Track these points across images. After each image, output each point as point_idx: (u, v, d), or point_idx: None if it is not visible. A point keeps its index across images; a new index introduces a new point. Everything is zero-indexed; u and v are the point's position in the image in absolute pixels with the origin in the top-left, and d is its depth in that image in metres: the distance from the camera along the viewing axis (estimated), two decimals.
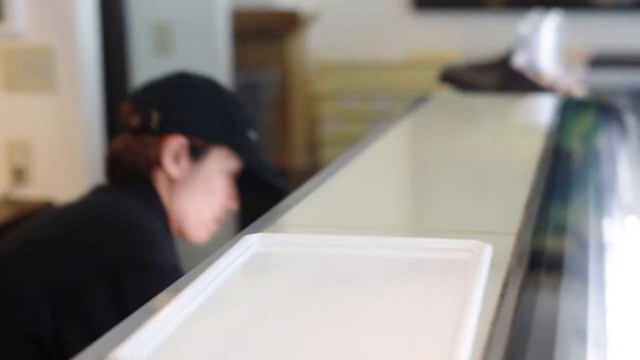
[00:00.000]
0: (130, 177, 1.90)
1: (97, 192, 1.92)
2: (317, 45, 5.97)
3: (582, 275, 1.41)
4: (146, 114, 1.89)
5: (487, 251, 1.07)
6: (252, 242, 1.13)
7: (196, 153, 1.89)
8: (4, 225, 3.11)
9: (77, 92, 3.23)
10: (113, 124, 3.69)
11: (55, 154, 3.26)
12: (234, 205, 1.98)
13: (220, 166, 1.92)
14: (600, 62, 4.61)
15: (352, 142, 2.31)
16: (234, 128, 1.94)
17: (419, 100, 2.71)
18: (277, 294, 0.99)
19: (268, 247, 1.13)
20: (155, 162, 1.88)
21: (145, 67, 4.43)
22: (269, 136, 5.64)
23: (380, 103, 5.63)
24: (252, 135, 1.98)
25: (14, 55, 3.23)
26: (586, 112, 2.84)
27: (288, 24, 5.68)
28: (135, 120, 1.90)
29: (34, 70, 3.21)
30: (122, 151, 1.90)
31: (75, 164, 3.26)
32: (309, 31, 5.94)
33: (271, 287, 1.01)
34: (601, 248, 1.63)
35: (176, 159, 1.88)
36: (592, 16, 5.49)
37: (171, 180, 1.89)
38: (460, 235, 1.16)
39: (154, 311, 0.89)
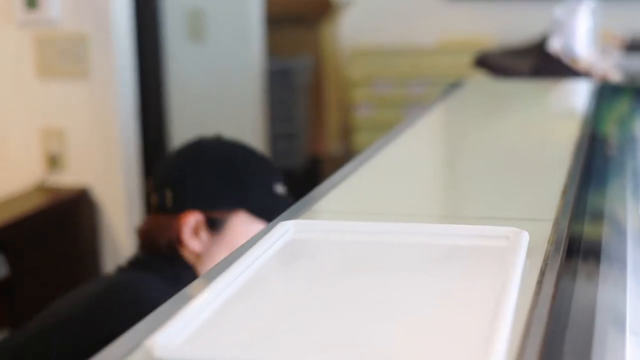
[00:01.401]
0: (161, 250, 1.89)
1: (128, 267, 1.90)
2: (350, 31, 5.96)
3: (620, 262, 1.39)
4: (161, 193, 1.90)
5: (524, 238, 1.06)
6: (287, 229, 1.13)
7: (215, 224, 1.86)
8: (39, 212, 3.13)
9: (111, 78, 3.23)
10: (146, 110, 3.70)
11: (89, 141, 3.27)
12: None
13: (244, 230, 1.87)
14: (635, 46, 4.56)
15: (386, 128, 2.29)
16: (252, 190, 1.90)
17: (453, 85, 2.69)
18: (313, 280, 0.98)
19: (303, 234, 1.13)
20: (176, 241, 1.87)
21: (179, 54, 4.43)
22: (302, 122, 5.63)
23: (414, 88, 5.61)
24: (280, 188, 1.94)
25: (48, 42, 3.24)
26: (622, 98, 2.81)
27: (322, 10, 5.67)
28: (154, 200, 1.92)
29: (69, 57, 3.22)
30: (148, 231, 1.90)
31: (109, 151, 3.27)
32: (343, 17, 5.93)
33: (306, 274, 1.01)
34: (639, 234, 1.62)
35: (196, 233, 1.86)
36: (628, 0, 5.44)
37: (197, 254, 1.88)
38: (496, 222, 1.15)
39: (189, 298, 0.89)
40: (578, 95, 2.66)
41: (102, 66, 3.22)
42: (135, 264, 1.89)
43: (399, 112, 5.56)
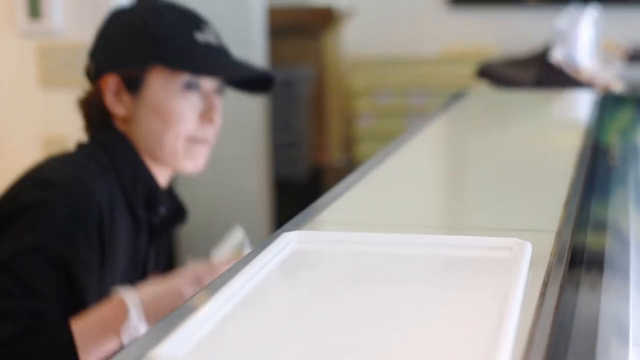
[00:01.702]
0: (95, 124, 1.90)
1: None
2: (352, 41, 5.96)
3: (623, 273, 1.39)
4: (87, 64, 1.92)
5: (527, 249, 1.06)
6: (290, 240, 1.13)
7: (132, 84, 1.84)
8: None
9: None
10: None
11: None
12: (211, 119, 1.90)
13: (163, 85, 1.84)
14: (637, 56, 4.57)
15: (388, 138, 2.29)
16: (163, 42, 1.84)
17: (455, 95, 2.70)
18: (315, 292, 0.98)
19: (306, 245, 1.13)
20: (103, 108, 1.87)
21: None
22: (304, 132, 5.64)
23: (416, 99, 5.62)
24: (200, 36, 1.88)
25: (50, 52, 3.24)
26: (624, 108, 2.82)
27: (323, 20, 5.67)
28: (86, 72, 1.93)
29: (71, 68, 3.23)
30: (83, 106, 1.92)
31: None
32: (345, 27, 5.93)
33: (309, 285, 1.01)
34: None
35: (117, 97, 1.85)
36: (629, 10, 5.44)
37: (124, 120, 1.87)
38: (499, 233, 1.15)
39: (192, 309, 0.89)
40: (580, 105, 2.67)
41: None
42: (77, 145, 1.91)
43: (401, 122, 5.56)
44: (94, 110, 1.88)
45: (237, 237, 1.90)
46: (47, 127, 3.31)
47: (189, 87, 1.85)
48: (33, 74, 3.28)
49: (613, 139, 2.35)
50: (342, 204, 1.39)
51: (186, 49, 1.85)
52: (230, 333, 0.86)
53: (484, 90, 3.00)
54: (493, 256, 1.07)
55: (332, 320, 0.90)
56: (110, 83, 1.84)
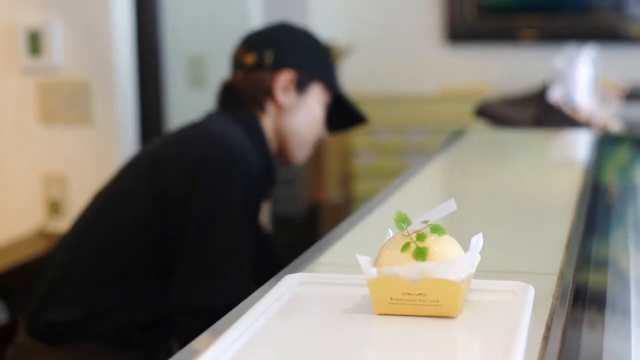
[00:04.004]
0: (237, 105, 2.22)
1: (206, 117, 2.24)
2: (350, 78, 5.98)
3: (625, 314, 1.39)
4: (261, 53, 2.22)
5: (530, 292, 1.06)
6: (292, 282, 1.13)
7: (302, 85, 2.21)
8: (39, 258, 3.12)
9: (113, 125, 3.24)
10: None
11: (91, 187, 3.26)
12: (325, 133, 2.32)
13: (318, 98, 2.24)
14: (635, 95, 4.58)
15: (386, 175, 2.32)
16: (329, 67, 2.30)
17: (455, 134, 2.70)
18: (317, 333, 0.98)
19: (308, 287, 1.13)
20: (268, 93, 2.20)
21: (180, 100, 4.45)
22: (302, 168, 5.64)
23: (415, 136, 5.62)
24: (338, 75, 2.34)
25: (51, 88, 3.25)
26: (622, 147, 2.82)
27: None
28: (250, 59, 2.23)
29: (71, 104, 3.23)
30: (239, 84, 2.22)
31: None
32: (343, 64, 5.95)
33: (311, 326, 1.01)
34: None
35: (285, 90, 2.20)
36: (627, 49, 5.46)
37: (279, 108, 2.22)
38: (501, 276, 1.15)
39: (196, 353, 0.88)
40: (579, 145, 2.67)
41: (105, 113, 3.23)
42: (212, 116, 2.23)
43: (399, 159, 5.56)
44: (259, 89, 2.20)
45: None
46: (46, 164, 3.31)
47: (327, 104, 2.30)
48: (33, 111, 3.29)
49: (612, 179, 2.36)
50: (343, 245, 1.40)
51: (337, 80, 2.31)
52: None
53: (482, 130, 3.01)
54: (496, 300, 1.07)
55: None
56: (287, 77, 2.20)
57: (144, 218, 2.05)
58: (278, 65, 2.21)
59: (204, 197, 2.01)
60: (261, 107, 2.21)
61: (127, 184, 2.14)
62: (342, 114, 2.37)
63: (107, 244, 2.08)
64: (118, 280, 2.05)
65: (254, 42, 2.27)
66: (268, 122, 2.22)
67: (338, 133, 2.55)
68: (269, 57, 2.22)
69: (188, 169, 2.04)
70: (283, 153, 2.28)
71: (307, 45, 2.30)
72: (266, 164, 2.18)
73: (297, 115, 2.23)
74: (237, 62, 2.27)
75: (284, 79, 2.19)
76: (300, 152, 2.29)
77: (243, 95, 2.22)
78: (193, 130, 2.18)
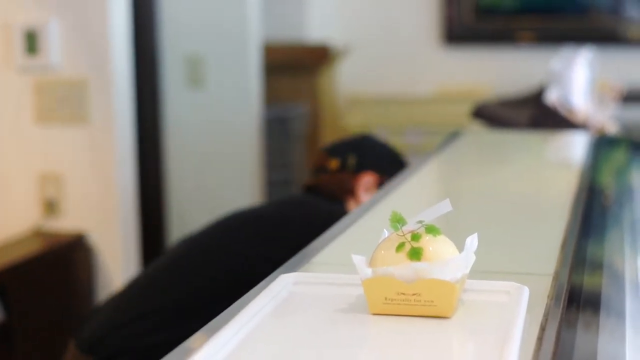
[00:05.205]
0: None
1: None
2: (347, 79, 5.98)
3: (619, 315, 1.39)
4: (344, 158, 2.48)
5: (524, 293, 1.06)
6: (287, 281, 1.13)
7: (380, 185, 2.37)
8: (36, 257, 3.12)
9: (109, 124, 3.24)
10: (144, 157, 3.71)
11: (87, 187, 3.27)
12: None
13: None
14: (632, 97, 4.59)
15: None
16: (400, 168, 2.47)
17: (451, 135, 2.70)
18: (311, 332, 0.98)
19: (302, 286, 1.13)
20: (351, 193, 2.42)
21: (177, 100, 4.45)
22: (299, 170, 5.64)
23: (411, 137, 5.63)
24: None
25: (47, 87, 3.25)
26: (619, 150, 2.82)
27: (319, 58, 5.69)
28: (333, 163, 2.47)
29: (68, 103, 3.23)
30: (323, 185, 2.45)
31: (107, 197, 3.26)
32: (340, 65, 5.95)
33: (305, 325, 1.01)
34: (636, 286, 1.62)
35: (367, 190, 2.41)
36: (624, 51, 5.47)
37: (356, 201, 2.41)
38: (496, 276, 1.15)
39: (191, 351, 0.88)
40: (575, 147, 2.67)
41: (101, 112, 3.23)
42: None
43: None
44: (341, 186, 2.44)
45: None
46: (42, 164, 3.31)
47: None
48: (29, 110, 3.28)
49: (608, 180, 2.36)
50: (338, 245, 1.40)
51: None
52: None
53: (479, 131, 3.01)
54: (490, 300, 1.07)
55: None
56: (369, 179, 2.43)
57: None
58: (361, 169, 2.45)
59: None
60: (342, 206, 2.41)
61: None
62: None
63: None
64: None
65: (337, 149, 2.55)
66: None
67: None
68: (352, 161, 2.48)
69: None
70: None
71: (386, 150, 2.58)
72: None
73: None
74: (319, 167, 2.51)
75: (367, 181, 2.42)
76: None
77: (327, 195, 2.43)
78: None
